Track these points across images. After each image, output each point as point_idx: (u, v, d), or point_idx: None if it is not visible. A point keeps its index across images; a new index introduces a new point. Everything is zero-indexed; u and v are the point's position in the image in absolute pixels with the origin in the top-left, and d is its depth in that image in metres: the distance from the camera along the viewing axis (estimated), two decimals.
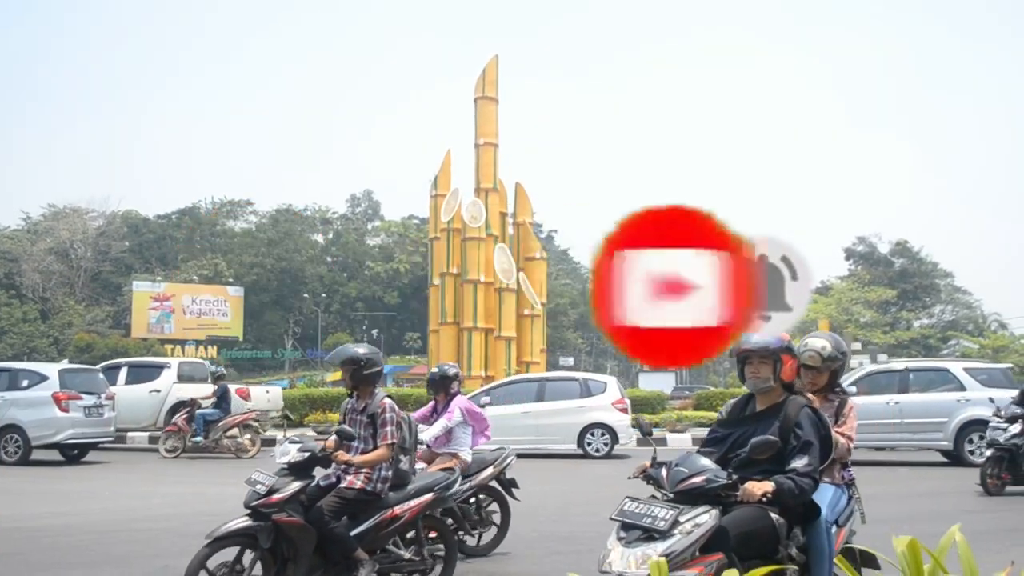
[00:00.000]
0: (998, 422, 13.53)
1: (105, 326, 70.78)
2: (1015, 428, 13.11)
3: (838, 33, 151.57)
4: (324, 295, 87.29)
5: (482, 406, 18.83)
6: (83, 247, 76.80)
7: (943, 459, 18.10)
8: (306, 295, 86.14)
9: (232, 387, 21.05)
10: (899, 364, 20.40)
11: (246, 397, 21.63)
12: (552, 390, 19.92)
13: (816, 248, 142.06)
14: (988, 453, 13.52)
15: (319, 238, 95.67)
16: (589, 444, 19.08)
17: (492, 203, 36.64)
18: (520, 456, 16.48)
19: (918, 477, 16.21)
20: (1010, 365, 22.30)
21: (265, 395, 23.30)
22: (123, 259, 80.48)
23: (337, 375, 62.15)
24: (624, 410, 19.45)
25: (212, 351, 73.57)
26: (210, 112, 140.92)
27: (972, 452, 17.11)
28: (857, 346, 43.43)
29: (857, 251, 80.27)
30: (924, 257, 78.77)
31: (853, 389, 18.21)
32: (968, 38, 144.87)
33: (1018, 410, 13.39)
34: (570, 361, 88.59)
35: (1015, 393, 14.98)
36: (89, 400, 17.99)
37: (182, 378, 21.81)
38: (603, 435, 19.13)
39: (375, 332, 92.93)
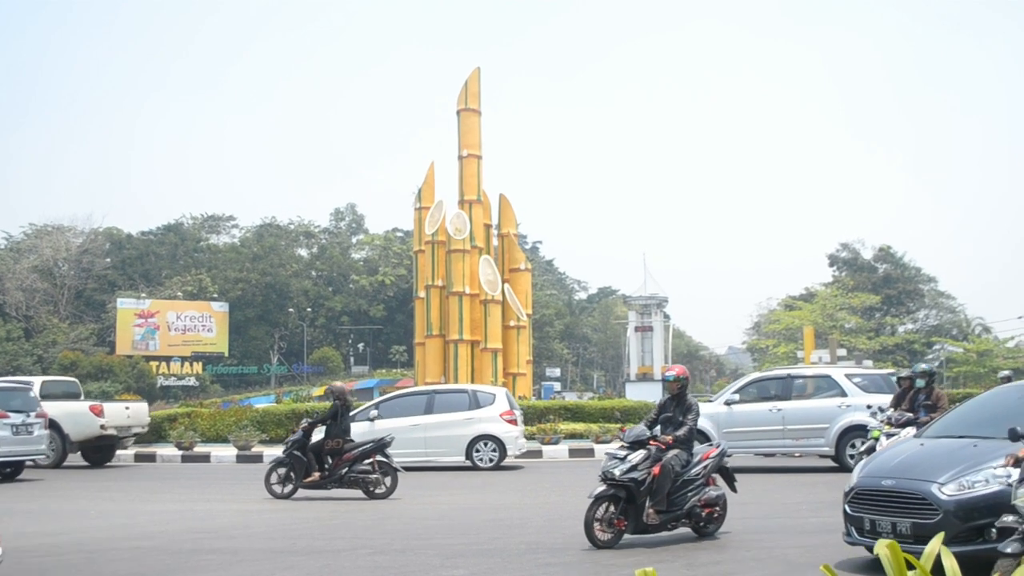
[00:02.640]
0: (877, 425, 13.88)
1: (90, 344, 70.46)
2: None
3: (828, 41, 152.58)
4: (309, 309, 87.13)
5: (371, 419, 19.29)
6: (66, 265, 76.47)
7: (831, 464, 18.21)
8: (291, 310, 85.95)
9: (84, 403, 21.03)
10: (782, 371, 20.53)
11: (99, 414, 21.24)
12: (441, 403, 19.81)
13: (800, 255, 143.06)
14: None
15: (303, 252, 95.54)
16: (477, 456, 19.02)
17: (476, 215, 36.65)
18: (408, 469, 16.69)
19: (800, 483, 16.50)
20: (892, 371, 22.47)
21: (124, 412, 22.73)
22: (107, 276, 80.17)
23: (323, 390, 62.03)
24: (513, 422, 19.41)
25: (198, 367, 73.42)
26: (193, 128, 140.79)
27: (852, 457, 17.12)
28: (842, 352, 43.54)
29: (841, 257, 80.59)
30: (908, 262, 79.16)
31: (736, 397, 18.51)
32: (954, 45, 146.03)
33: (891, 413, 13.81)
34: (556, 372, 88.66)
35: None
36: (17, 418, 17.94)
37: (47, 397, 20.62)
38: (491, 447, 19.09)
39: (361, 346, 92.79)
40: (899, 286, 76.07)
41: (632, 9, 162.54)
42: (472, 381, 34.73)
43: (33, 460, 19.12)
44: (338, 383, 15.89)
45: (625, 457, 9.48)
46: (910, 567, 3.03)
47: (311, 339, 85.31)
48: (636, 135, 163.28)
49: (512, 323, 36.13)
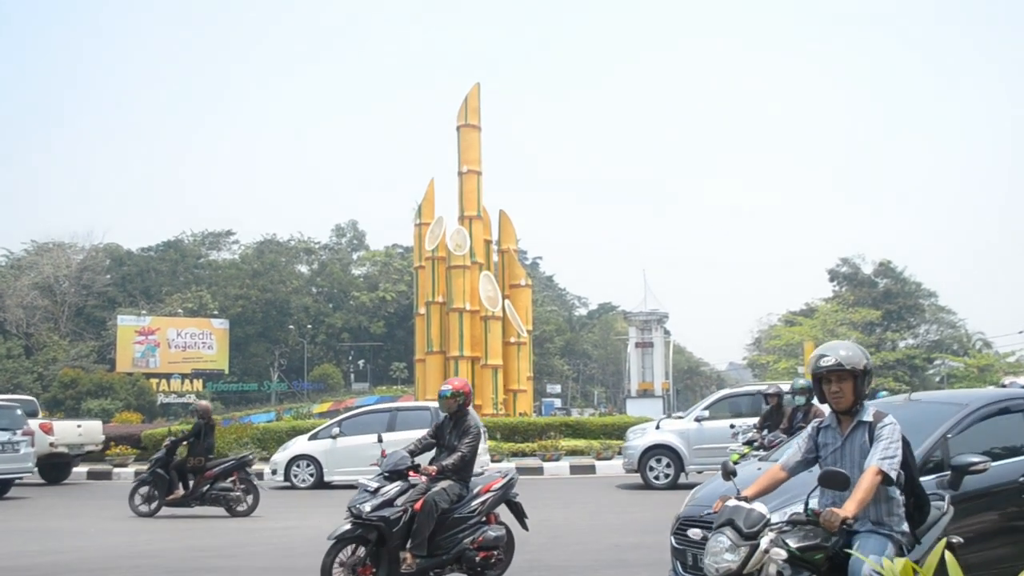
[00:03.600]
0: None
1: (90, 361, 70.36)
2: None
3: (826, 55, 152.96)
4: (310, 326, 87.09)
5: (333, 437, 19.38)
6: (67, 282, 76.47)
7: None
8: (291, 326, 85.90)
9: (34, 421, 20.66)
10: (752, 387, 20.69)
11: (48, 432, 21.04)
12: (403, 420, 19.81)
13: (800, 270, 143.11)
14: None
15: (304, 269, 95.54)
16: None
17: (476, 231, 36.66)
18: None
19: None
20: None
21: (76, 430, 22.67)
22: (107, 293, 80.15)
23: (325, 406, 62.00)
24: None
25: (198, 384, 73.35)
26: (193, 144, 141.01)
27: None
28: None
29: (841, 272, 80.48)
30: (908, 277, 79.09)
31: (706, 413, 18.54)
32: (954, 56, 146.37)
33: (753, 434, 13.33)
34: (557, 388, 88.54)
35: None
36: (3, 436, 17.97)
37: None
38: None
39: (361, 362, 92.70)
40: (899, 301, 75.95)
41: (632, 26, 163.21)
42: (473, 398, 34.66)
43: (20, 478, 19.16)
44: (203, 402, 15.95)
45: (377, 490, 8.10)
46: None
47: (311, 356, 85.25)
48: (636, 150, 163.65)
49: (512, 339, 36.09)
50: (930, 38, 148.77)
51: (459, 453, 8.30)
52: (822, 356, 5.03)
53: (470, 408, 8.84)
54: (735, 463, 12.70)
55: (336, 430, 19.77)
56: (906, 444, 4.97)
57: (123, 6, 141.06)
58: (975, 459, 6.33)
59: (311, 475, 19.52)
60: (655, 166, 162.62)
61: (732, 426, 15.81)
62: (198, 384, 73.30)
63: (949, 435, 6.75)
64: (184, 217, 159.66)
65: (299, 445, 20.18)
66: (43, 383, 65.24)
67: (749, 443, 12.84)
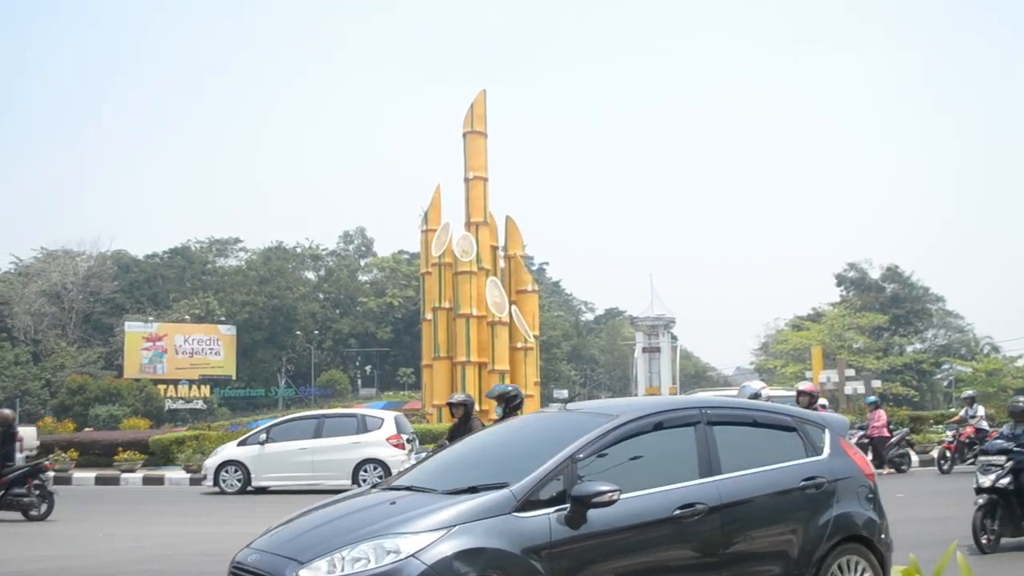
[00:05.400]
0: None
1: (97, 367, 70.54)
2: None
3: (833, 60, 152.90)
4: (317, 332, 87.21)
5: (261, 443, 19.73)
6: (74, 289, 76.67)
7: None
8: (299, 332, 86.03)
9: None
10: (710, 395, 20.94)
11: None
12: (330, 427, 20.15)
13: (807, 275, 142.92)
14: None
15: (311, 275, 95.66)
16: (363, 479, 19.09)
17: (483, 237, 36.65)
18: (296, 492, 16.76)
19: None
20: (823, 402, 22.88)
21: None
22: (114, 300, 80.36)
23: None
24: (399, 445, 19.48)
25: (205, 390, 73.46)
26: (199, 151, 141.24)
27: None
28: (851, 372, 43.44)
29: (848, 277, 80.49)
30: (915, 282, 79.00)
31: None
32: (962, 61, 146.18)
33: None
34: (564, 393, 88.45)
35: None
36: None
37: None
38: (376, 470, 19.18)
39: (368, 368, 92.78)
40: (907, 306, 75.91)
41: (638, 32, 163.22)
42: (480, 403, 34.66)
43: None
44: (5, 410, 16.04)
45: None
46: None
47: (318, 362, 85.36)
48: (643, 156, 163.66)
49: (519, 345, 36.08)
50: (936, 40, 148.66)
51: None
52: None
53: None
54: None
55: (264, 436, 20.19)
56: None
57: (129, 15, 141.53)
58: (601, 487, 5.17)
59: (239, 480, 19.76)
60: (662, 171, 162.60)
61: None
62: (205, 390, 73.44)
63: (580, 455, 5.50)
64: (191, 224, 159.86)
65: (228, 451, 20.56)
66: (51, 389, 65.42)
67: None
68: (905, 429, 23.72)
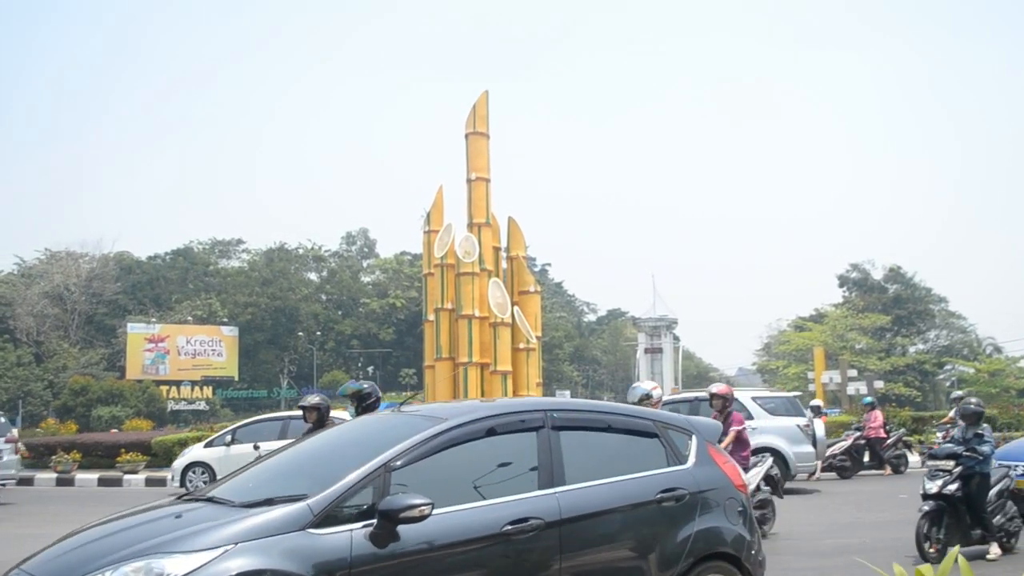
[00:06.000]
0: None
1: (100, 368, 70.56)
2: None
3: (835, 61, 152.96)
4: (319, 333, 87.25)
5: (227, 444, 20.22)
6: (76, 290, 76.74)
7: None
8: (301, 333, 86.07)
9: None
10: (690, 394, 21.08)
11: None
12: (295, 428, 19.89)
13: (810, 275, 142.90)
14: None
15: (313, 276, 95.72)
16: None
17: (485, 238, 36.61)
18: None
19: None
20: (798, 393, 23.05)
21: None
22: (117, 301, 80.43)
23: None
24: None
25: (208, 391, 73.49)
26: (201, 152, 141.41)
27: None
28: (853, 373, 43.38)
29: (851, 278, 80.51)
30: (918, 283, 79.01)
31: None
32: (965, 60, 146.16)
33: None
34: (567, 394, 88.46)
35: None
36: None
37: None
38: None
39: (371, 369, 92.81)
40: (909, 306, 75.91)
41: (639, 32, 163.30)
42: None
43: (3, 485, 19.35)
44: None
45: None
46: None
47: (321, 363, 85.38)
48: (645, 156, 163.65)
49: (522, 345, 36.03)
50: (937, 40, 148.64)
51: None
52: None
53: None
54: None
55: (229, 437, 20.63)
56: None
57: (129, 15, 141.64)
58: (411, 500, 4.67)
59: (204, 481, 19.94)
60: (664, 172, 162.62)
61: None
62: (208, 391, 73.43)
63: (398, 464, 4.99)
64: (193, 225, 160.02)
65: (195, 452, 20.98)
66: (53, 391, 65.46)
67: None
68: (902, 430, 23.72)
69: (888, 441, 22.31)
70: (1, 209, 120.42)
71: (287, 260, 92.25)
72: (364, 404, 10.47)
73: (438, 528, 4.85)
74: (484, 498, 5.16)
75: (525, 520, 5.11)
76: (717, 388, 12.81)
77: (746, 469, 11.91)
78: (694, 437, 6.19)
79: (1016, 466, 11.13)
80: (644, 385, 10.85)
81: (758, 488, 12.01)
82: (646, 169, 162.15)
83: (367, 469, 4.92)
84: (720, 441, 11.80)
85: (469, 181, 37.25)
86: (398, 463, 5.01)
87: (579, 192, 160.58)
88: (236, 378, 77.31)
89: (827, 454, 21.99)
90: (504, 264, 38.51)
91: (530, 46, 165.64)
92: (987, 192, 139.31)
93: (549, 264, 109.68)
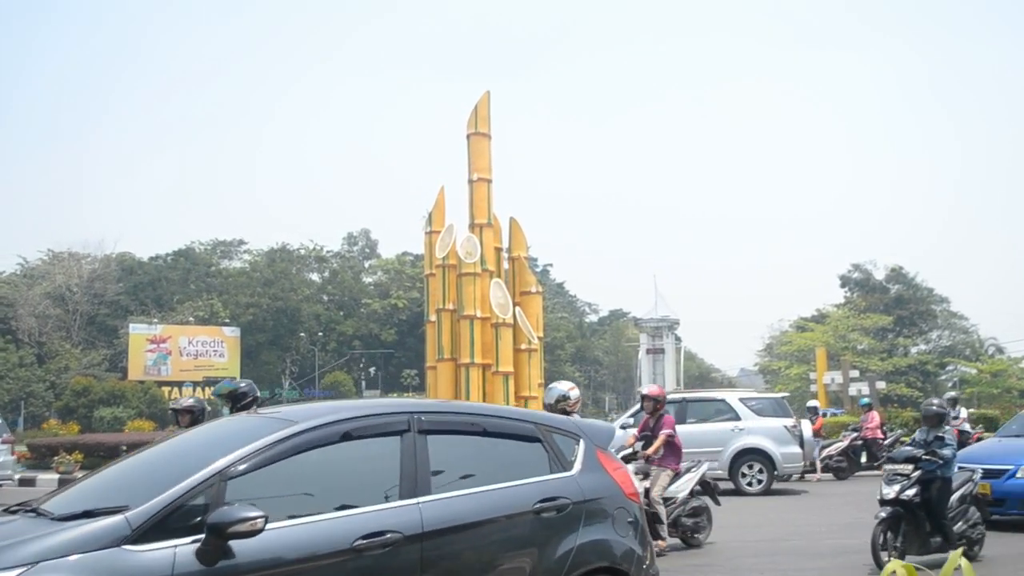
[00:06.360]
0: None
1: (102, 369, 70.58)
2: None
3: (836, 61, 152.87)
4: (321, 334, 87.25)
5: None
6: (78, 291, 76.79)
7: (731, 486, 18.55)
8: (303, 334, 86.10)
9: None
10: (677, 395, 21.28)
11: None
12: None
13: (811, 276, 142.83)
14: None
15: (315, 277, 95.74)
16: None
17: (487, 238, 36.63)
18: None
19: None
20: (785, 394, 23.18)
21: None
22: (118, 302, 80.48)
23: None
24: None
25: (209, 392, 73.48)
26: (202, 153, 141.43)
27: (745, 476, 18.24)
28: (855, 373, 43.37)
29: (852, 278, 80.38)
30: (920, 283, 78.92)
31: (631, 421, 19.12)
32: (966, 59, 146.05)
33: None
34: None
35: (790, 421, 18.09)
36: None
37: None
38: None
39: (372, 370, 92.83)
40: (911, 307, 75.81)
41: (640, 32, 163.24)
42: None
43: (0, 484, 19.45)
44: None
45: None
46: None
47: (322, 363, 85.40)
48: (646, 156, 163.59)
49: (523, 346, 36.03)
50: (937, 40, 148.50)
51: None
52: None
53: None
54: None
55: None
56: None
57: (129, 15, 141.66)
58: (242, 514, 4.22)
59: None
60: (665, 172, 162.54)
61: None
62: (209, 392, 73.43)
63: (236, 472, 4.54)
64: (195, 226, 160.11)
65: None
66: (55, 391, 65.47)
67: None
68: (900, 431, 23.69)
69: (885, 442, 22.29)
70: (2, 209, 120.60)
71: (289, 261, 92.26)
72: (239, 405, 9.70)
73: (279, 543, 4.42)
74: (336, 510, 4.72)
75: (381, 534, 4.66)
76: (648, 389, 12.44)
77: (677, 477, 11.50)
78: (582, 441, 5.74)
79: (978, 469, 10.75)
80: (560, 386, 10.10)
81: (692, 495, 11.59)
82: (647, 169, 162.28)
83: (199, 477, 4.46)
84: (647, 447, 11.46)
85: (471, 182, 37.25)
86: (237, 470, 4.54)
87: (579, 192, 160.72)
88: (238, 379, 77.31)
89: (824, 455, 22.01)
90: (506, 265, 38.49)
91: (530, 46, 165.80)
92: (987, 192, 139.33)
93: (551, 264, 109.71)
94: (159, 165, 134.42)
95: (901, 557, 8.74)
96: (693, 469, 11.95)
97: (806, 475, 20.74)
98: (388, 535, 4.67)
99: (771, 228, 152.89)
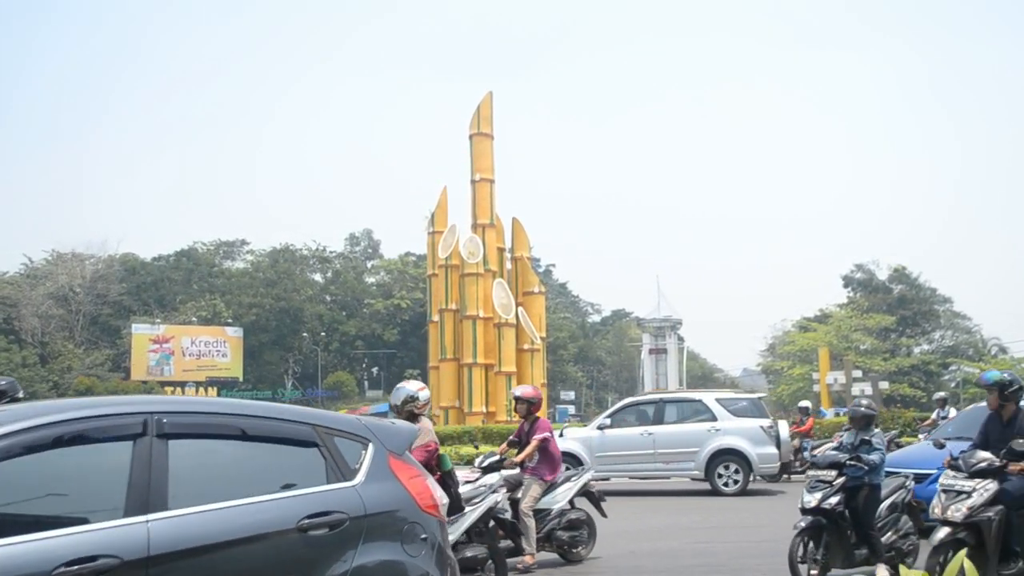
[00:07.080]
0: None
1: (105, 369, 70.68)
2: None
3: (839, 61, 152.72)
4: (323, 334, 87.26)
5: None
6: (81, 291, 76.86)
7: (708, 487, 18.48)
8: (305, 334, 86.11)
9: None
10: (656, 396, 21.25)
11: None
12: None
13: (814, 276, 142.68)
14: None
15: (318, 277, 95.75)
16: None
17: (489, 238, 36.70)
18: None
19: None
20: (762, 395, 23.16)
21: None
22: (121, 302, 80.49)
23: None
24: None
25: (212, 392, 73.51)
26: (205, 154, 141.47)
27: (722, 476, 18.15)
28: (858, 374, 43.32)
29: (855, 278, 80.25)
30: (923, 283, 78.79)
31: (608, 422, 19.15)
32: (968, 59, 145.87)
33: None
34: (571, 395, 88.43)
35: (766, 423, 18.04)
36: None
37: None
38: None
39: (375, 370, 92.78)
40: (914, 307, 75.65)
41: (641, 32, 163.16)
42: (487, 405, 34.68)
43: None
44: None
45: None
46: None
47: (325, 364, 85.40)
48: (647, 156, 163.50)
49: (526, 346, 36.11)
50: (937, 40, 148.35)
51: None
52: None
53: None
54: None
55: None
56: None
57: (129, 15, 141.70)
58: None
59: None
60: (667, 172, 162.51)
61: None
62: (212, 392, 73.45)
63: None
64: (197, 227, 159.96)
65: None
66: (58, 391, 65.50)
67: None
68: (893, 432, 23.56)
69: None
70: (2, 210, 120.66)
71: (291, 261, 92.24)
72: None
73: None
74: (38, 530, 3.84)
75: (91, 559, 3.84)
76: (522, 391, 11.19)
77: (553, 487, 10.63)
78: (371, 446, 4.95)
79: (911, 475, 10.01)
80: (409, 385, 8.78)
81: (572, 506, 10.72)
82: (647, 169, 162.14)
83: None
84: (520, 452, 10.46)
85: (473, 182, 37.34)
86: None
87: (580, 192, 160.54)
88: (240, 379, 77.35)
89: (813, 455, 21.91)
90: (508, 265, 38.57)
91: (530, 46, 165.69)
92: (987, 192, 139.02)
93: (553, 265, 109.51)
94: (160, 165, 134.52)
95: (824, 571, 8.54)
96: (573, 478, 10.97)
97: (793, 476, 20.59)
98: (100, 560, 3.85)
99: (772, 228, 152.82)
